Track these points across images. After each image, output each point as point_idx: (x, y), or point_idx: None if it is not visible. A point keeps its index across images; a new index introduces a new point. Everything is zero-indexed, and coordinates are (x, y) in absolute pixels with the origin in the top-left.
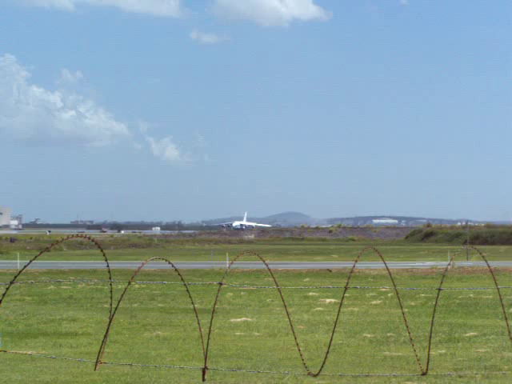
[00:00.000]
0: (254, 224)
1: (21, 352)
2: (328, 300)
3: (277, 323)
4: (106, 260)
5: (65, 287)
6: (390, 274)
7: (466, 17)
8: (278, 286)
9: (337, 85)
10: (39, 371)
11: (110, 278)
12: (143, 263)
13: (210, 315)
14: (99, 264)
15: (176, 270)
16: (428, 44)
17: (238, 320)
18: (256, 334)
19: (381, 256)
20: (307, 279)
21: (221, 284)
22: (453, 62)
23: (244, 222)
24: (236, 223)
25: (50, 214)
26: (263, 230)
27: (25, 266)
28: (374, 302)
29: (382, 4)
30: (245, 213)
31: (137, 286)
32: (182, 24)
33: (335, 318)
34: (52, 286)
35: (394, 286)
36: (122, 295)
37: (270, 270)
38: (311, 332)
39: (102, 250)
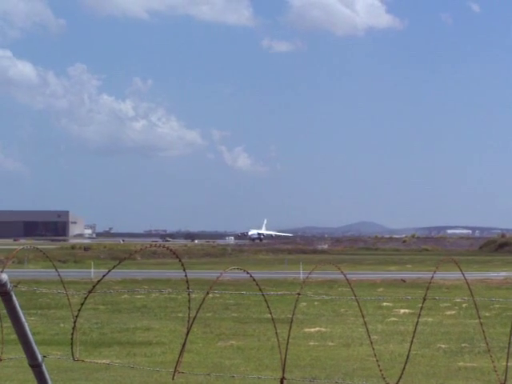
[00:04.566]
0: (273, 233)
1: (96, 361)
2: (402, 310)
3: (351, 333)
4: (183, 270)
5: (139, 296)
6: (468, 285)
7: None
8: (355, 296)
9: (412, 92)
10: (113, 380)
11: (187, 288)
12: (221, 273)
13: (283, 325)
14: (173, 273)
15: (254, 279)
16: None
17: (312, 330)
18: (330, 343)
19: (459, 266)
20: (381, 289)
21: (299, 294)
22: None
23: (262, 231)
24: (252, 232)
25: (123, 223)
26: (337, 240)
27: (103, 276)
28: (448, 313)
29: (454, 11)
30: (264, 220)
31: (211, 295)
32: (255, 32)
33: (409, 328)
34: (126, 296)
35: (472, 296)
36: (201, 305)
37: (347, 279)
38: (385, 342)
39: (180, 260)
